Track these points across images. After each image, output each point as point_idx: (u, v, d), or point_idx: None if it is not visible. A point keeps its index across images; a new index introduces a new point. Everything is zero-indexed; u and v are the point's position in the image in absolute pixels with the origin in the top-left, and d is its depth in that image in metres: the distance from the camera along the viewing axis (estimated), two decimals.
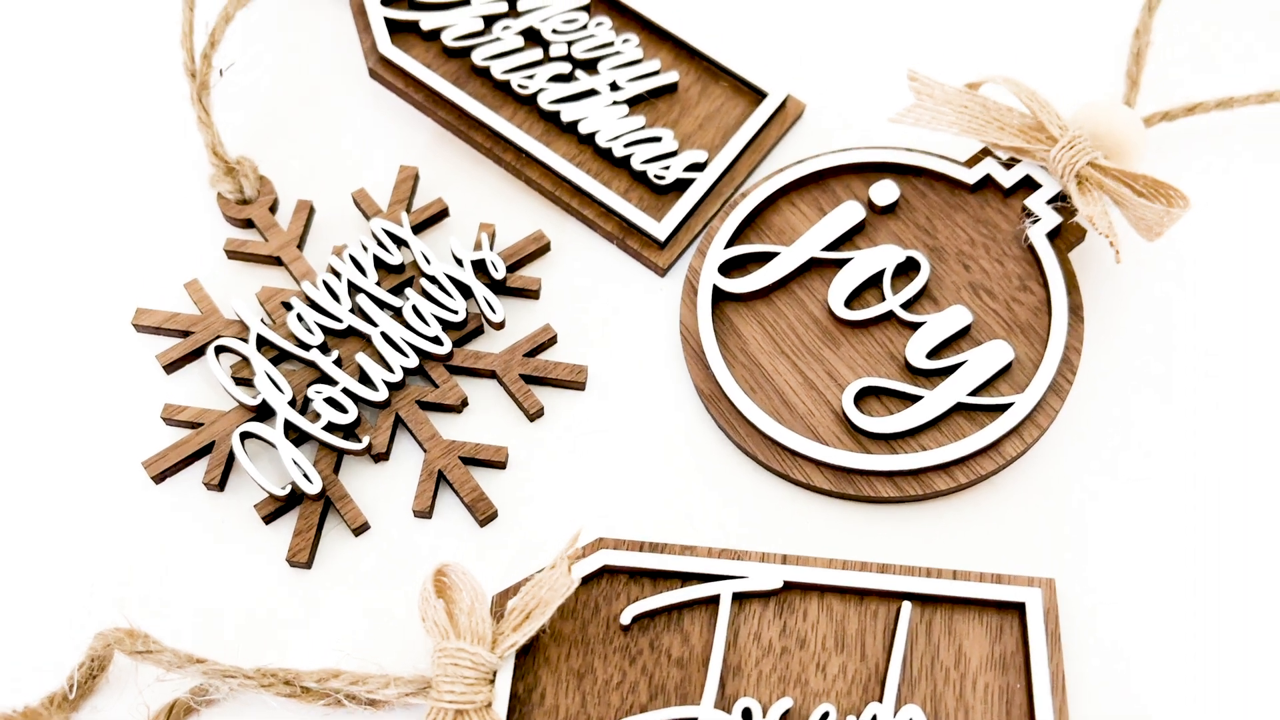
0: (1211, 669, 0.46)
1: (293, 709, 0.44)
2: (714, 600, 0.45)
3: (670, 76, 0.57)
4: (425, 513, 0.48)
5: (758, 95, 0.57)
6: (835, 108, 0.58)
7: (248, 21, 0.57)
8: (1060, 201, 0.52)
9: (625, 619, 0.45)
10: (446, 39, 0.57)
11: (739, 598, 0.45)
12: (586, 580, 0.46)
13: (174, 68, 0.57)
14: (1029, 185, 0.53)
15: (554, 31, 0.57)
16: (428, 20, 0.57)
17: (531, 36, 0.58)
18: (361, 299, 0.51)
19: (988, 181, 0.53)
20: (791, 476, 0.49)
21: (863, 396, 0.49)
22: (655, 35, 0.58)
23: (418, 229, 0.54)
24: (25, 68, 0.59)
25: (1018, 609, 0.45)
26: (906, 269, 0.52)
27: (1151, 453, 0.49)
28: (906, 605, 0.45)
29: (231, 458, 0.49)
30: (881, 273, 0.51)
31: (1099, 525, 0.48)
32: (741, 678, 0.44)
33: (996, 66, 0.58)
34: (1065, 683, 0.44)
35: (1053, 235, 0.51)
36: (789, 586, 0.45)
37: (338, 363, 0.50)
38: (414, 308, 0.51)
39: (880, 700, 0.44)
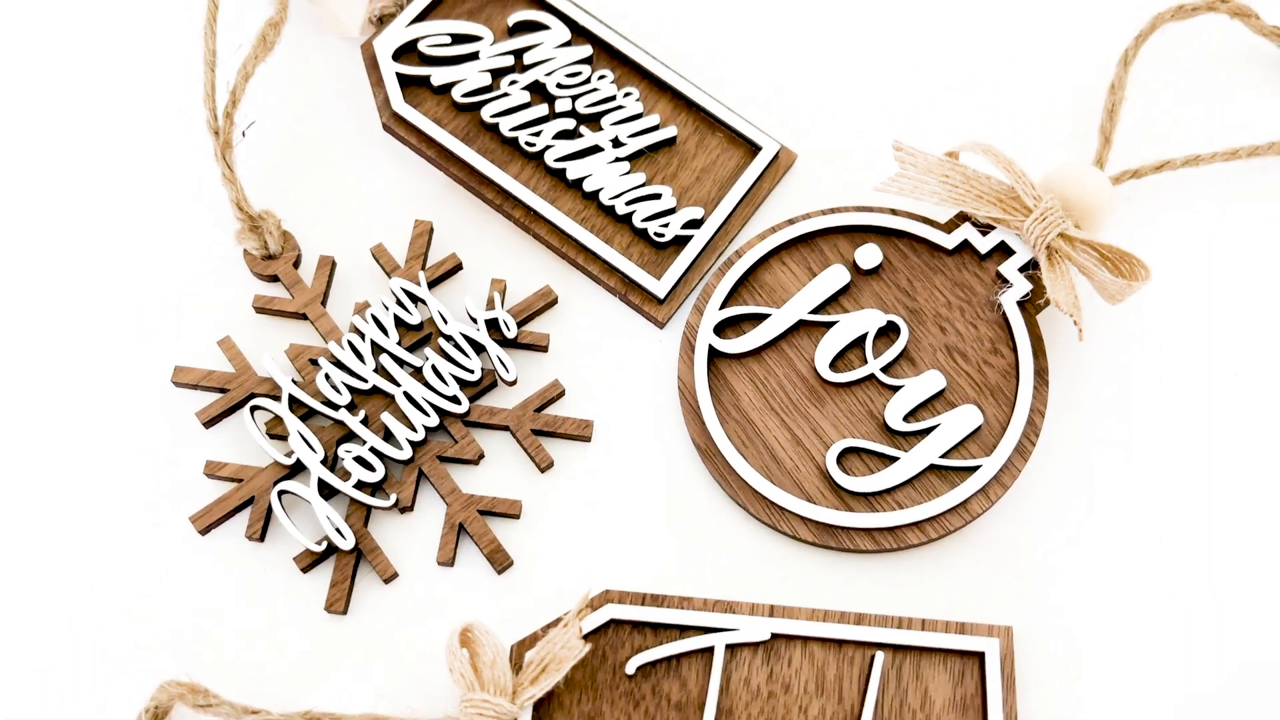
0: (1172, 716, 0.51)
1: None
2: (709, 650, 0.51)
3: (669, 132, 0.60)
4: (448, 562, 0.53)
5: (752, 147, 0.60)
6: (826, 155, 0.61)
7: (265, 76, 0.60)
8: (1033, 269, 0.56)
9: (630, 669, 0.50)
10: (456, 95, 0.60)
11: (731, 647, 0.51)
12: (595, 631, 0.51)
13: (199, 125, 0.60)
14: (1004, 250, 0.56)
15: (559, 86, 0.60)
16: (438, 75, 0.60)
17: (537, 90, 0.61)
18: (384, 359, 0.55)
19: (965, 245, 0.57)
20: (779, 529, 0.54)
21: (845, 454, 0.54)
22: (655, 85, 0.61)
23: (434, 283, 0.58)
24: (53, 129, 0.61)
25: (978, 655, 0.51)
26: (887, 331, 0.56)
27: (1112, 506, 0.54)
28: (879, 655, 0.51)
29: (270, 512, 0.54)
30: (864, 336, 0.56)
31: (1061, 575, 0.53)
32: None
33: (980, 112, 0.62)
34: None
35: (1023, 300, 0.56)
36: (775, 636, 0.51)
37: (364, 422, 0.55)
38: (433, 367, 0.55)
39: None
